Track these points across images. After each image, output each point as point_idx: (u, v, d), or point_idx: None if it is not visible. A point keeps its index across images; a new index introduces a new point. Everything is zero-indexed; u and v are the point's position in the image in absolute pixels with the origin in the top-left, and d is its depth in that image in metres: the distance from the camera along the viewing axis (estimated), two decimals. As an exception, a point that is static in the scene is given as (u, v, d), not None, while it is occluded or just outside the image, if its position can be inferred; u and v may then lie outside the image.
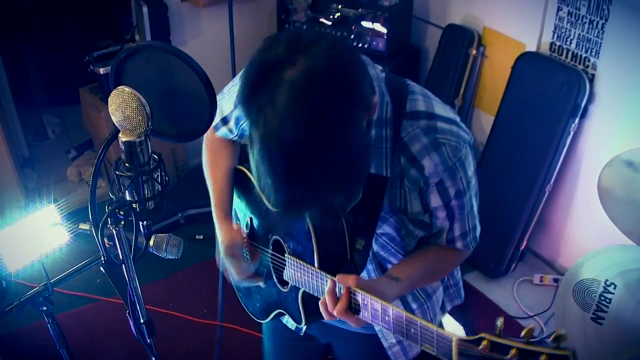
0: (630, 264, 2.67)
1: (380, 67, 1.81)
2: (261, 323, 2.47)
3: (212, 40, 4.95)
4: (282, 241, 1.97)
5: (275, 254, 2.02)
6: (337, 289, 1.72)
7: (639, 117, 3.60)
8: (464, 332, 3.11)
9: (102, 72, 4.63)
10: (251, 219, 2.13)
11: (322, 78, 1.39)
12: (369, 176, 1.75)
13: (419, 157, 1.73)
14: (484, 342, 1.36)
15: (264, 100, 1.40)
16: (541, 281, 4.33)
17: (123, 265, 1.79)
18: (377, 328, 2.09)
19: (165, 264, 4.13)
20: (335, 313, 1.70)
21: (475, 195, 1.90)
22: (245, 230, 2.18)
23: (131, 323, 1.88)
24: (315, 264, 1.81)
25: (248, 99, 1.45)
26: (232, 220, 2.19)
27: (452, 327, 3.50)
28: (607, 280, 2.64)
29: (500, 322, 1.36)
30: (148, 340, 1.91)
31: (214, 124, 2.15)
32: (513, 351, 1.31)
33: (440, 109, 1.78)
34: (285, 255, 1.95)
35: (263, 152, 1.43)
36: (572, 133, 3.90)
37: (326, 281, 1.77)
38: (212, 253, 4.56)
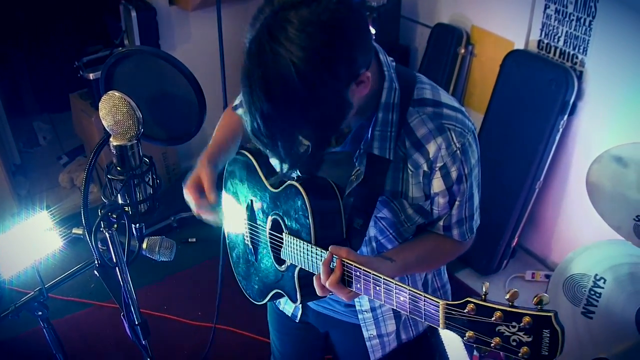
0: (620, 258, 2.69)
1: (391, 58, 1.87)
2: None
3: (201, 43, 4.95)
4: (280, 220, 1.99)
5: (274, 233, 2.04)
6: (331, 262, 1.73)
7: (628, 113, 3.63)
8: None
9: (92, 78, 4.63)
10: (252, 200, 2.16)
11: (320, 26, 1.49)
12: (373, 157, 1.81)
13: (424, 142, 1.78)
14: (470, 306, 1.41)
15: (269, 27, 1.51)
16: (533, 277, 4.35)
17: (117, 267, 1.80)
18: (359, 317, 2.13)
19: (158, 268, 4.14)
20: (328, 285, 1.71)
21: (477, 187, 1.95)
22: (246, 212, 2.20)
23: (126, 325, 1.89)
24: (312, 241, 1.84)
25: (250, 25, 1.56)
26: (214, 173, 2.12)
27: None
28: (596, 274, 2.66)
29: (485, 286, 1.41)
30: (143, 342, 1.92)
31: (235, 103, 2.21)
32: (498, 314, 1.36)
33: (447, 98, 1.85)
34: (283, 233, 1.97)
35: (245, 74, 1.55)
36: (561, 130, 3.92)
37: (322, 256, 1.79)
38: (205, 256, 4.58)
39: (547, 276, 4.29)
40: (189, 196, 1.97)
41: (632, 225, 2.56)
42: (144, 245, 1.93)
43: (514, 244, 4.34)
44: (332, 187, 1.90)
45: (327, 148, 1.88)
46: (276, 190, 2.01)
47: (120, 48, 4.70)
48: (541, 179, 4.08)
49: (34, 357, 3.71)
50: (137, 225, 1.85)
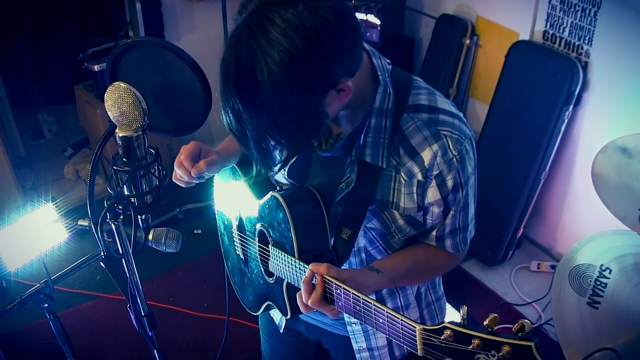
0: (625, 248, 2.68)
1: (388, 61, 1.82)
2: (261, 319, 2.50)
3: (206, 35, 4.95)
4: (266, 232, 1.97)
5: (262, 245, 2.03)
6: (314, 279, 1.68)
7: (633, 104, 3.62)
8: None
9: (96, 69, 4.63)
10: (240, 211, 2.15)
11: (302, 32, 1.44)
12: (364, 165, 1.76)
13: (419, 149, 1.72)
14: (447, 332, 1.36)
15: (251, 23, 1.48)
16: (538, 268, 4.36)
17: (123, 259, 1.80)
18: (349, 329, 2.09)
19: (165, 260, 4.14)
20: (310, 304, 1.66)
21: (473, 196, 1.88)
22: (235, 222, 2.19)
23: (132, 316, 1.90)
24: (295, 254, 1.81)
25: (238, 13, 1.53)
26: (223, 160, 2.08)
27: (451, 316, 3.52)
28: (602, 265, 2.65)
29: (463, 311, 1.35)
30: (149, 333, 1.93)
31: None
32: (476, 342, 1.30)
33: (444, 103, 1.79)
34: (269, 246, 1.95)
35: (222, 67, 1.52)
36: (566, 121, 3.91)
37: (305, 271, 1.74)
38: (211, 247, 4.59)
39: (553, 267, 4.30)
40: (186, 150, 1.93)
41: (637, 215, 2.56)
42: (150, 237, 1.94)
43: (520, 234, 4.34)
44: (315, 196, 1.87)
45: (309, 147, 1.85)
46: (260, 202, 1.98)
47: (125, 39, 4.71)
48: (546, 169, 4.08)
49: (39, 349, 3.72)
50: (143, 216, 1.85)
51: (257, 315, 2.49)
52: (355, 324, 2.07)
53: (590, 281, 2.62)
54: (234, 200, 2.17)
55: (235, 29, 1.51)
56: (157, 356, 2.04)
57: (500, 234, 4.27)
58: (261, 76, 1.46)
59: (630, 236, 2.68)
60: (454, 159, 1.73)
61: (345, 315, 2.04)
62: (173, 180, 1.99)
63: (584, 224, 4.12)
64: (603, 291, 2.58)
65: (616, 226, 2.71)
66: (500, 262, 4.40)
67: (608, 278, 2.61)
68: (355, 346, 2.10)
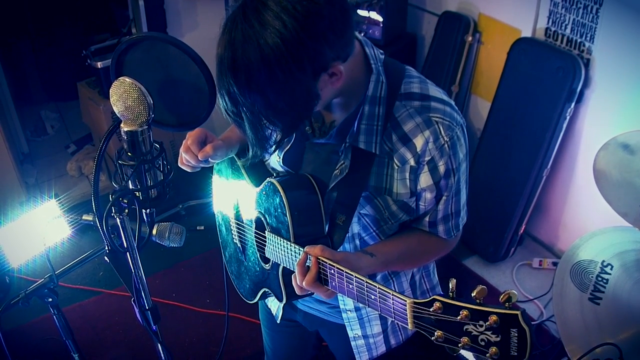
0: (627, 245, 2.68)
1: (381, 51, 1.86)
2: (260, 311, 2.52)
3: (209, 32, 4.92)
4: (262, 218, 2.00)
5: (258, 232, 2.05)
6: (308, 261, 1.71)
7: (635, 100, 3.62)
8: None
9: (100, 66, 4.64)
10: (238, 199, 2.17)
11: (294, 16, 1.50)
12: (358, 151, 1.80)
13: (411, 136, 1.76)
14: (436, 304, 1.39)
15: (246, 8, 1.55)
16: (540, 265, 4.36)
17: (127, 252, 1.81)
18: (344, 316, 2.11)
19: (167, 256, 4.14)
20: (304, 285, 1.69)
21: (465, 183, 1.92)
22: (233, 211, 2.22)
23: (136, 310, 1.90)
24: (291, 238, 1.84)
25: (234, 0, 1.60)
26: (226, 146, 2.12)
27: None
28: (603, 261, 2.65)
29: (452, 284, 1.38)
30: (154, 327, 1.93)
31: None
32: (464, 312, 1.34)
33: (435, 91, 1.83)
34: (266, 232, 1.97)
35: (218, 51, 1.60)
36: (568, 117, 3.92)
37: (299, 255, 1.77)
38: (214, 243, 4.61)
39: (555, 263, 4.30)
40: (193, 135, 1.98)
41: (638, 212, 2.57)
42: (154, 231, 1.94)
43: (522, 231, 4.35)
44: (311, 183, 1.90)
45: (302, 135, 1.89)
46: (257, 189, 2.01)
47: (130, 35, 4.72)
48: (548, 166, 4.09)
49: (43, 344, 3.74)
50: (148, 210, 1.86)
51: (258, 310, 2.51)
52: (350, 311, 2.09)
53: (592, 277, 2.62)
54: (232, 190, 2.20)
55: (230, 14, 1.57)
56: (160, 350, 2.04)
57: (503, 230, 4.27)
58: (254, 58, 1.51)
59: (631, 232, 2.68)
60: (446, 145, 1.77)
61: (340, 302, 2.09)
62: (179, 165, 2.04)
63: (585, 220, 4.13)
64: (604, 287, 2.59)
65: (618, 222, 2.71)
66: (502, 258, 4.40)
67: (609, 274, 2.61)
68: (350, 334, 2.13)
